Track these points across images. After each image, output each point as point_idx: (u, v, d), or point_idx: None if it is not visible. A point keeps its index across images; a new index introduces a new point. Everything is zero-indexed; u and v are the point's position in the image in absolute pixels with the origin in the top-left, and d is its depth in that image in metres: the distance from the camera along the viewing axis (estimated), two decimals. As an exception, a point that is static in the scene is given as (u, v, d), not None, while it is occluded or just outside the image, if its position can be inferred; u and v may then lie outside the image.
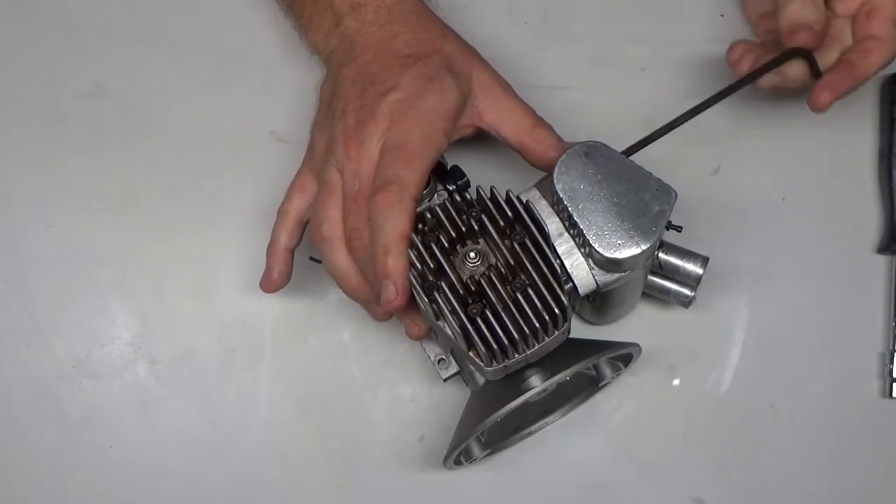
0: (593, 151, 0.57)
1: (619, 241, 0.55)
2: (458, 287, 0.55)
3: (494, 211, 0.56)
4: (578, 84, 0.73)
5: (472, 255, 0.56)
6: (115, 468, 0.69)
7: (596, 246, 0.55)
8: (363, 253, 0.58)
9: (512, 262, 0.55)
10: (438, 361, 0.64)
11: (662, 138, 0.60)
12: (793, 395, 0.69)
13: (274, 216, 0.64)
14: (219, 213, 0.71)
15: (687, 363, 0.70)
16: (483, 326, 0.54)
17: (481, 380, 0.62)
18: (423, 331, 0.60)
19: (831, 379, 0.69)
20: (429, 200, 0.60)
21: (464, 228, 0.56)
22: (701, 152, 0.72)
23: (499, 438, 0.67)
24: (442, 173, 0.61)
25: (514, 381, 0.57)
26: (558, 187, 0.56)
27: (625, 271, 0.57)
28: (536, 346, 0.56)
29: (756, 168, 0.72)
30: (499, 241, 0.56)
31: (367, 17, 0.63)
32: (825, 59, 0.64)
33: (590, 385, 0.68)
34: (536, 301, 0.54)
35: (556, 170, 0.56)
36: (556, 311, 0.54)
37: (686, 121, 0.60)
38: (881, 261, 0.71)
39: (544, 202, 0.58)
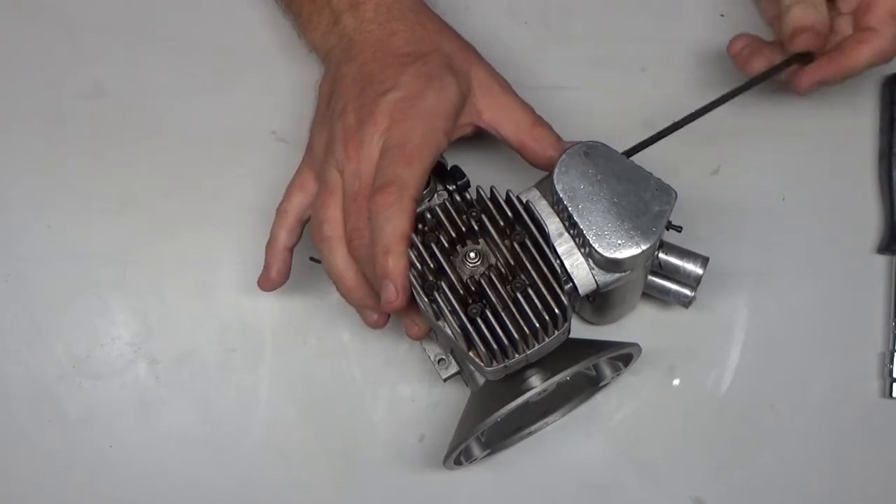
0: (593, 151, 0.57)
1: (619, 241, 0.55)
2: (458, 287, 0.55)
3: (494, 211, 0.56)
4: (578, 84, 0.73)
5: (472, 255, 0.56)
6: (115, 468, 0.69)
7: (596, 246, 0.55)
8: (363, 253, 0.58)
9: (512, 262, 0.55)
10: (438, 361, 0.64)
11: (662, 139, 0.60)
12: (793, 395, 0.69)
13: (274, 216, 0.64)
14: (219, 213, 0.71)
15: (687, 363, 0.70)
16: (483, 326, 0.54)
17: (481, 380, 0.62)
18: (423, 331, 0.60)
19: (831, 379, 0.69)
20: (429, 200, 0.60)
21: (464, 228, 0.56)
22: (701, 152, 0.71)
23: (499, 438, 0.67)
24: (442, 173, 0.61)
25: (514, 381, 0.57)
26: (558, 187, 0.56)
27: (625, 271, 0.57)
28: (536, 346, 0.56)
29: (756, 168, 0.72)
30: (499, 241, 0.56)
31: (366, 15, 0.63)
32: None
33: (590, 385, 0.68)
34: (536, 301, 0.54)
35: (556, 170, 0.56)
36: (556, 311, 0.54)
37: (688, 123, 0.60)
38: (881, 261, 0.71)
39: (544, 202, 0.58)
